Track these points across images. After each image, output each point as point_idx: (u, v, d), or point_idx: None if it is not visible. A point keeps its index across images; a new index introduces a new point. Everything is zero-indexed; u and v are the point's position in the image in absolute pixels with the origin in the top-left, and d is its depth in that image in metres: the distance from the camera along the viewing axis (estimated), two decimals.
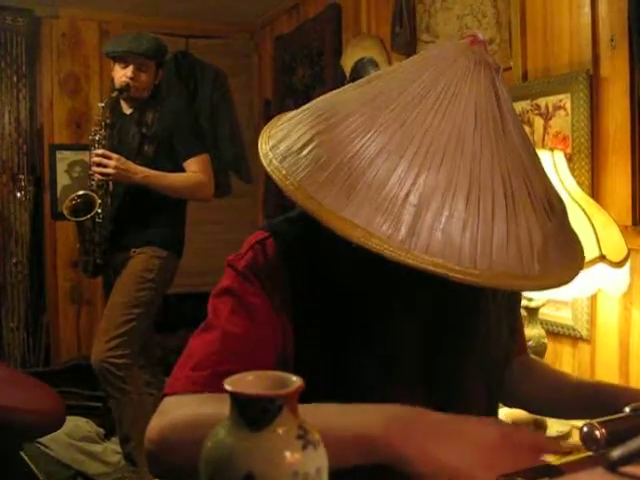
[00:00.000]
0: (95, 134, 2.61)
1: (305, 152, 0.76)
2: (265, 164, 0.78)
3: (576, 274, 0.77)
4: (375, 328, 0.88)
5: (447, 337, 0.92)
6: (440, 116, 0.73)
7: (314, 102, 0.85)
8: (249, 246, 0.90)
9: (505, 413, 1.56)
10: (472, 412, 0.92)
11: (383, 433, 0.66)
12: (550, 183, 0.82)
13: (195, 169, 2.65)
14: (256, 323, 0.86)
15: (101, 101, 2.77)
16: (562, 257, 0.76)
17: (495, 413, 1.07)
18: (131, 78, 2.61)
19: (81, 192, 2.62)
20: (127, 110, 2.72)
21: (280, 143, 0.80)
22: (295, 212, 0.95)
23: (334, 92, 0.86)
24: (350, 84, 0.86)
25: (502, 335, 1.00)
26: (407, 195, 0.69)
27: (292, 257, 0.88)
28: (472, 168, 0.71)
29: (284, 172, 0.76)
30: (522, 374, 1.13)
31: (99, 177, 2.55)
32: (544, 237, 0.73)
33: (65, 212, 2.59)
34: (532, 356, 1.25)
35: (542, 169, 0.82)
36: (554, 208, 0.78)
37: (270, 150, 0.80)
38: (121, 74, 2.63)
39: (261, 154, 0.80)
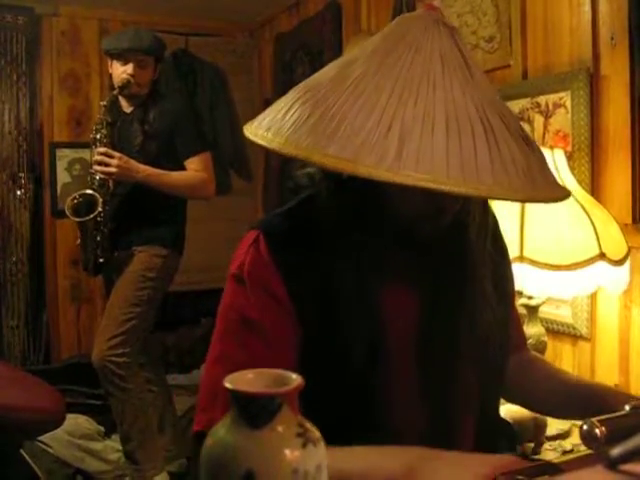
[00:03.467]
0: (97, 132, 2.61)
1: (288, 116, 0.80)
2: (253, 137, 0.83)
3: (565, 196, 0.83)
4: (369, 311, 0.90)
5: (439, 315, 0.95)
6: (408, 65, 0.79)
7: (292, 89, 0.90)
8: (245, 251, 0.92)
9: (505, 411, 1.56)
10: (462, 394, 0.95)
11: (408, 473, 0.75)
12: (523, 128, 0.86)
13: (196, 167, 2.65)
14: (270, 342, 0.88)
15: (101, 99, 2.76)
16: (548, 181, 0.81)
17: (490, 403, 1.07)
18: (132, 75, 2.60)
19: (83, 191, 2.61)
20: (127, 109, 2.71)
21: (264, 120, 0.85)
22: (284, 208, 0.99)
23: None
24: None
25: (494, 319, 1.01)
26: (389, 128, 0.73)
27: (283, 250, 0.91)
28: (447, 104, 0.76)
29: (270, 136, 0.80)
30: (521, 371, 1.13)
31: (101, 176, 2.54)
32: (527, 162, 0.78)
33: (67, 211, 2.58)
34: (534, 353, 1.25)
35: (514, 115, 0.87)
36: (532, 144, 0.82)
37: (256, 127, 0.85)
38: (121, 71, 2.62)
39: (248, 134, 0.85)
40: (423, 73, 0.78)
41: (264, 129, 0.82)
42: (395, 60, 0.79)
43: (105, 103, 2.63)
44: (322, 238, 0.91)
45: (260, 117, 0.87)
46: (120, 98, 2.70)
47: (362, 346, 0.89)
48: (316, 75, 0.88)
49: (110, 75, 2.73)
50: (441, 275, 0.96)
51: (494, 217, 1.08)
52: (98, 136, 2.60)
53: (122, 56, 2.62)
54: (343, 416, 0.88)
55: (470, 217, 0.98)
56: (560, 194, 0.82)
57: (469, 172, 0.72)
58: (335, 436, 0.82)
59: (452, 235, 0.96)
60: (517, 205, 1.52)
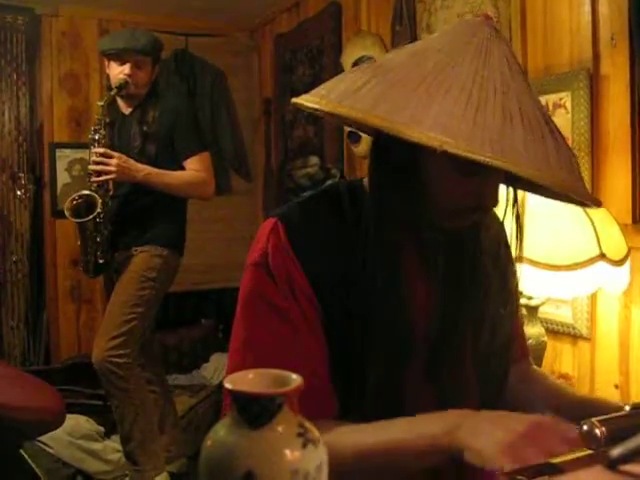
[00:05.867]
0: (95, 133, 2.60)
1: (364, 91, 0.83)
2: (321, 106, 0.85)
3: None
4: (395, 298, 0.92)
5: (447, 313, 0.97)
6: (482, 64, 0.84)
7: (352, 68, 0.91)
8: (266, 239, 0.94)
9: None
10: (463, 394, 0.98)
11: (448, 437, 0.80)
12: None
13: (196, 167, 2.64)
14: (298, 327, 0.90)
15: (100, 100, 2.75)
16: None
17: (490, 406, 1.08)
18: (129, 75, 2.60)
19: (82, 192, 2.61)
20: (126, 110, 2.71)
21: (329, 94, 0.86)
22: (302, 198, 1.01)
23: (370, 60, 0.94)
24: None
25: (499, 322, 1.02)
26: (475, 115, 0.78)
27: (302, 236, 0.93)
28: (520, 103, 0.83)
29: (347, 107, 0.82)
30: (521, 383, 1.14)
31: (101, 178, 2.54)
32: (576, 161, 0.88)
33: (66, 213, 2.57)
34: (534, 367, 1.25)
35: None
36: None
37: (321, 99, 0.86)
38: (118, 72, 2.61)
39: (311, 105, 0.86)
40: (496, 73, 0.84)
41: (335, 101, 0.84)
42: (470, 58, 0.84)
43: (103, 103, 2.62)
44: (346, 226, 0.93)
45: (318, 92, 0.89)
46: (118, 99, 2.69)
47: (387, 333, 0.91)
48: (382, 60, 0.91)
49: (108, 76, 2.73)
50: (451, 275, 0.97)
51: (500, 221, 1.09)
52: (97, 137, 2.59)
53: (119, 56, 2.61)
54: (358, 399, 0.92)
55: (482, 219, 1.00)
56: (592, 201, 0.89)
57: (546, 166, 0.79)
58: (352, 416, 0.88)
59: (465, 236, 0.99)
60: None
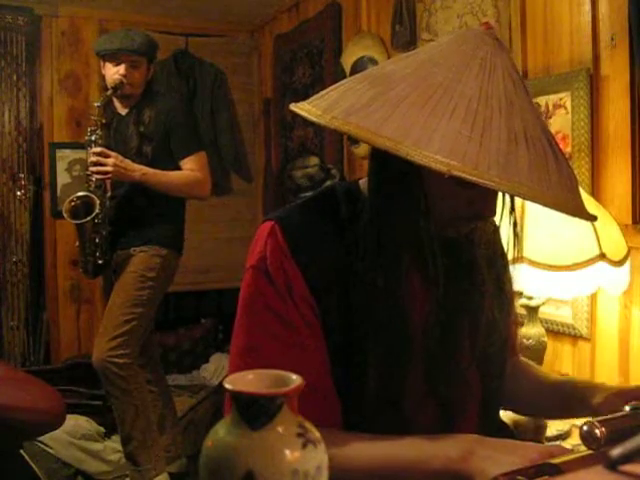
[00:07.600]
0: (92, 134, 2.60)
1: (371, 109, 0.82)
2: (326, 122, 0.83)
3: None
4: (393, 303, 0.92)
5: (445, 314, 0.97)
6: (487, 79, 0.84)
7: (356, 75, 0.91)
8: (264, 242, 0.94)
9: (504, 412, 1.56)
10: (465, 395, 0.97)
11: (462, 463, 0.81)
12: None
13: (192, 167, 2.64)
14: (299, 331, 0.90)
15: (97, 100, 2.75)
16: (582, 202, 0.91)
17: (492, 405, 1.08)
18: (124, 76, 2.60)
19: (80, 193, 2.61)
20: (122, 110, 2.71)
21: (332, 109, 0.84)
22: (297, 202, 1.01)
23: (374, 67, 0.94)
24: (385, 61, 0.92)
25: (495, 321, 1.03)
26: (481, 136, 0.78)
27: (299, 238, 0.93)
28: (523, 120, 0.83)
29: (353, 126, 0.81)
30: (511, 376, 1.15)
31: (97, 176, 2.54)
32: (575, 178, 0.88)
33: (65, 214, 2.57)
34: (522, 358, 1.27)
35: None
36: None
37: (324, 113, 0.84)
38: (113, 72, 2.61)
39: (315, 120, 0.85)
40: (500, 89, 0.84)
41: (341, 116, 0.83)
42: (475, 73, 0.84)
43: (99, 104, 2.63)
44: (343, 228, 0.94)
45: (320, 103, 0.87)
46: (114, 100, 2.70)
47: (386, 334, 0.91)
48: (386, 71, 0.89)
49: (104, 76, 2.74)
50: (448, 279, 0.97)
51: (495, 226, 1.09)
52: (93, 137, 2.59)
53: (114, 57, 2.61)
54: (358, 400, 0.92)
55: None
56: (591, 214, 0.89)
57: (549, 188, 0.79)
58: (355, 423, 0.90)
59: (462, 240, 1.00)
60: (517, 206, 1.52)
